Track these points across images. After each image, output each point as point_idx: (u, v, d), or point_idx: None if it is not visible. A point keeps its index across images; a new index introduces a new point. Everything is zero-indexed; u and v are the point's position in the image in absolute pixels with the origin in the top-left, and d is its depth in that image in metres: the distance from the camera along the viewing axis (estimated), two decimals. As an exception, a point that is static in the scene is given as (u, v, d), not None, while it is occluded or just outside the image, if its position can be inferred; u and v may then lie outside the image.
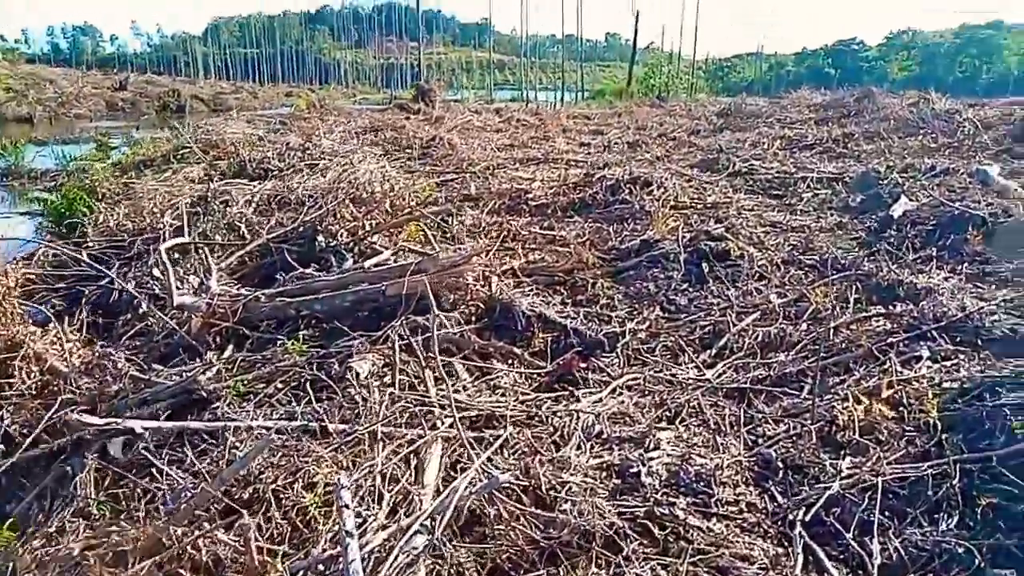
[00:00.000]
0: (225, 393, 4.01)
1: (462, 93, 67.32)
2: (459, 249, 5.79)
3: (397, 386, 4.04)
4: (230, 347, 4.76)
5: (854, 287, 5.27)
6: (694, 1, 58.13)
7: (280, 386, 4.21)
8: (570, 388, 4.33)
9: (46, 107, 32.00)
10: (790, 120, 16.43)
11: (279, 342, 4.62)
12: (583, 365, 4.53)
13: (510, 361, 4.72)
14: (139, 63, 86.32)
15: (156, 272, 6.28)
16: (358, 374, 4.21)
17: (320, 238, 6.63)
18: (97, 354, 4.63)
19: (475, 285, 5.20)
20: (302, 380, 4.19)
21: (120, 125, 30.31)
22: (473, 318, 5.07)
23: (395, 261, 5.69)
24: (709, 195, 8.03)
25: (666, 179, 8.08)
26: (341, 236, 6.69)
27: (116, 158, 14.63)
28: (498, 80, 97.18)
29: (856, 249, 6.33)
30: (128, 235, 7.59)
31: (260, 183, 9.14)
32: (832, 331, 4.56)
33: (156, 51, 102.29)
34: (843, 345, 4.41)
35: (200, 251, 6.63)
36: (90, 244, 7.62)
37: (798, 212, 7.83)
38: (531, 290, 5.71)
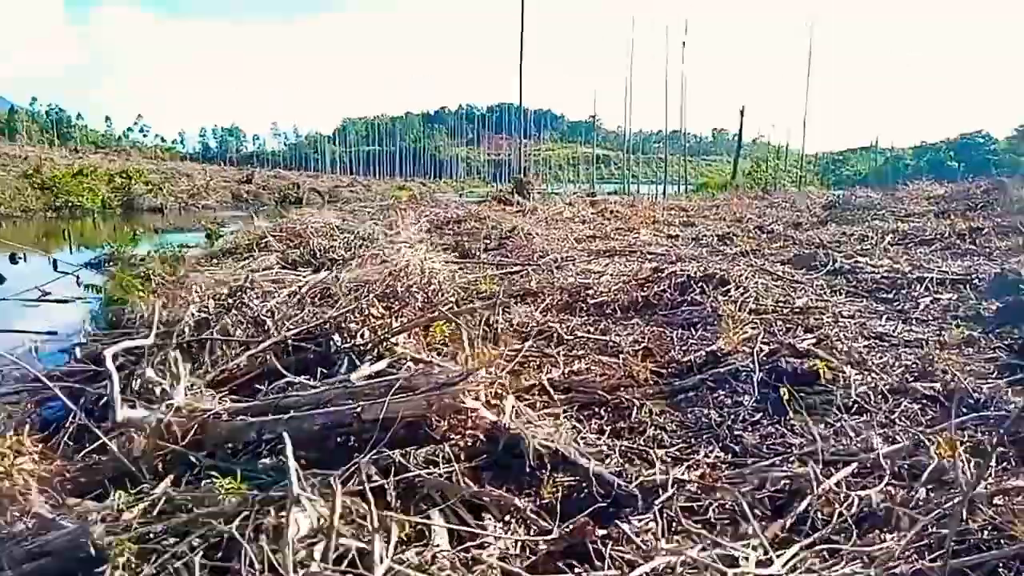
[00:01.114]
0: (114, 554, 3.01)
1: (566, 187, 67.99)
2: (470, 359, 4.69)
3: (331, 558, 2.92)
4: (168, 479, 3.81)
5: (995, 435, 3.74)
6: (803, 94, 56.30)
7: (196, 542, 3.18)
8: (582, 567, 3.07)
9: (178, 199, 34.15)
10: (905, 213, 14.61)
11: (218, 476, 3.62)
12: (601, 533, 3.27)
13: (508, 517, 3.51)
14: (275, 160, 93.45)
15: (150, 372, 5.56)
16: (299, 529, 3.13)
17: (336, 337, 5.74)
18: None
19: (479, 409, 4.06)
20: (223, 537, 3.15)
21: (241, 215, 31.85)
22: (471, 453, 3.91)
23: (394, 371, 4.66)
24: (799, 297, 6.60)
25: (747, 277, 6.77)
26: (361, 335, 5.78)
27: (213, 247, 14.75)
28: (603, 174, 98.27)
29: (994, 375, 4.75)
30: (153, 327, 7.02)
31: (315, 274, 8.52)
32: (967, 504, 3.07)
33: (291, 149, 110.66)
34: (984, 531, 2.94)
35: (200, 350, 5.88)
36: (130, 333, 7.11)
37: (913, 322, 6.23)
38: (563, 412, 4.53)
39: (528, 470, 3.78)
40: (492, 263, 10.25)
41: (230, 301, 7.04)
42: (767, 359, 4.81)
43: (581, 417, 4.54)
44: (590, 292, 7.52)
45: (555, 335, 6.11)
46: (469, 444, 3.93)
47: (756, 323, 5.72)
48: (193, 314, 6.74)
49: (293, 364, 5.73)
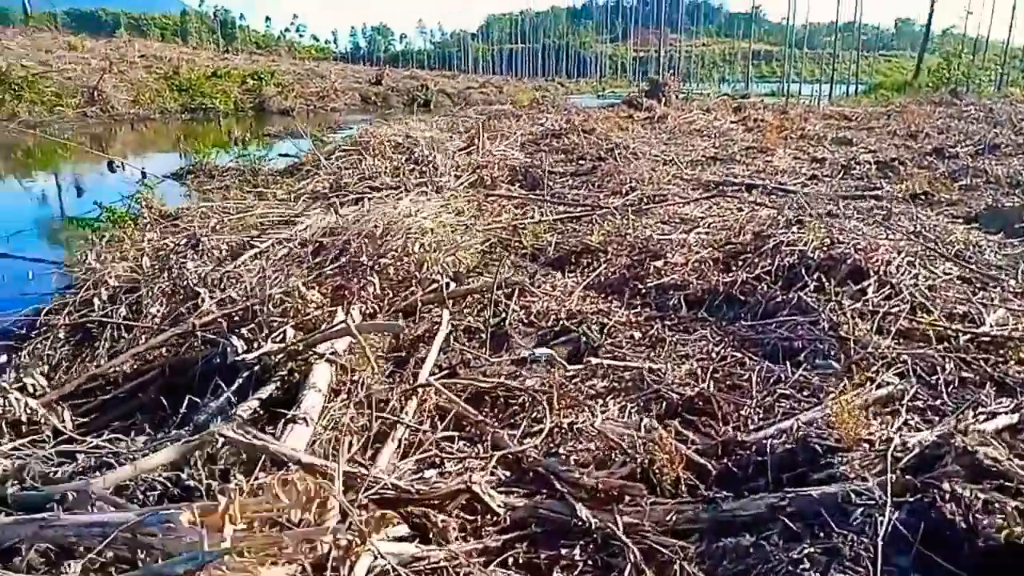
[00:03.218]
0: None
1: (718, 87, 61.62)
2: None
3: None
4: None
5: None
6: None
7: None
8: None
9: (307, 100, 33.60)
10: None
11: None
12: None
13: None
14: (419, 59, 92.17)
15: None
16: None
17: (237, 342, 3.90)
18: None
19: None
20: None
21: (367, 118, 30.81)
22: None
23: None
24: (990, 307, 3.88)
25: (902, 263, 4.10)
26: (276, 338, 3.90)
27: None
28: (764, 72, 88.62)
29: None
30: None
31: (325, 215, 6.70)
32: None
33: (436, 48, 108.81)
34: None
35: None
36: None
37: None
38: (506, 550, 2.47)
39: None
40: (557, 201, 7.92)
41: (170, 260, 5.40)
42: (914, 491, 2.41)
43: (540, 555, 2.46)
44: (659, 263, 5.15)
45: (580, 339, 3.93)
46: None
47: (904, 366, 3.21)
48: (117, 276, 5.18)
49: (198, 370, 4.04)
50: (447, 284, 4.64)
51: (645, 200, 7.66)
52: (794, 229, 4.85)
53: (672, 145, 13.83)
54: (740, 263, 4.75)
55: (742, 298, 4.22)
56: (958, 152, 10.82)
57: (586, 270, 5.76)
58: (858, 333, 3.47)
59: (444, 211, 6.06)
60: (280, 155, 13.61)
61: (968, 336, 3.41)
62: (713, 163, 11.37)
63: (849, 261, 4.04)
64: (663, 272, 4.94)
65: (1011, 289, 4.05)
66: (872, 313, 3.66)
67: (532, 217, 7.56)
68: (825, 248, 4.26)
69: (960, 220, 6.00)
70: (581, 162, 11.41)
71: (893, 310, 3.69)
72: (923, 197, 6.83)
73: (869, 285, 3.86)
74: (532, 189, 8.86)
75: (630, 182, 9.17)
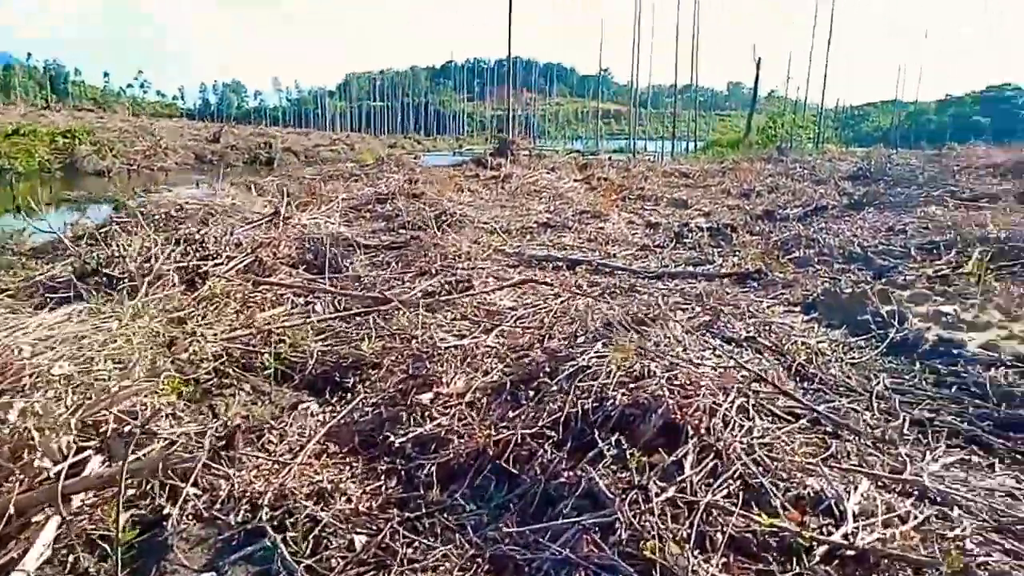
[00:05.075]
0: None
1: (573, 143, 63.12)
2: None
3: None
4: None
5: None
6: (823, 46, 51.00)
7: None
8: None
9: (130, 160, 30.34)
10: (971, 193, 10.49)
11: None
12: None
13: None
14: (274, 116, 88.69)
15: None
16: None
17: None
18: None
19: None
20: None
21: (200, 179, 28.05)
22: None
23: None
24: (854, 482, 2.67)
25: (724, 409, 2.89)
26: None
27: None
28: (614, 130, 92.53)
29: None
30: None
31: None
32: None
33: (293, 105, 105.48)
34: None
35: None
36: None
37: None
38: None
39: None
40: (339, 292, 6.39)
41: None
42: None
43: None
44: (427, 396, 3.72)
45: None
46: None
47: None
48: None
49: None
50: (65, 471, 2.93)
51: (449, 287, 6.28)
52: (599, 347, 3.57)
53: (508, 209, 12.78)
54: (530, 394, 3.41)
55: (515, 472, 2.84)
56: (788, 214, 10.42)
57: (350, 395, 4.29)
58: (668, 552, 2.14)
59: (131, 328, 4.32)
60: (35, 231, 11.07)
61: (825, 548, 2.18)
62: (544, 230, 10.33)
63: (660, 411, 2.78)
64: (427, 414, 3.50)
65: (870, 436, 2.93)
66: (690, 508, 2.37)
67: (316, 312, 6.04)
68: (630, 386, 2.99)
69: (797, 308, 5.05)
70: (401, 231, 10.01)
71: (719, 497, 2.42)
72: (756, 275, 5.91)
73: (686, 453, 2.60)
74: (322, 271, 7.28)
75: (444, 259, 7.85)
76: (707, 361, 3.32)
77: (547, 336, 4.33)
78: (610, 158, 30.97)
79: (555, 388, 3.31)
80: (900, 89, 61.85)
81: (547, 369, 3.56)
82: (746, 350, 3.83)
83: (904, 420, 3.10)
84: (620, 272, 6.81)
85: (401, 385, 4.02)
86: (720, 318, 4.17)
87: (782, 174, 18.63)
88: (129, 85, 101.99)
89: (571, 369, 3.32)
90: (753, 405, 2.91)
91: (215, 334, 5.06)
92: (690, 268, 6.89)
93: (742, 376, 3.12)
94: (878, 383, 3.50)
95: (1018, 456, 2.93)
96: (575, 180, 19.46)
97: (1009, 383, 3.36)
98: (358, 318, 5.72)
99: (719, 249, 7.90)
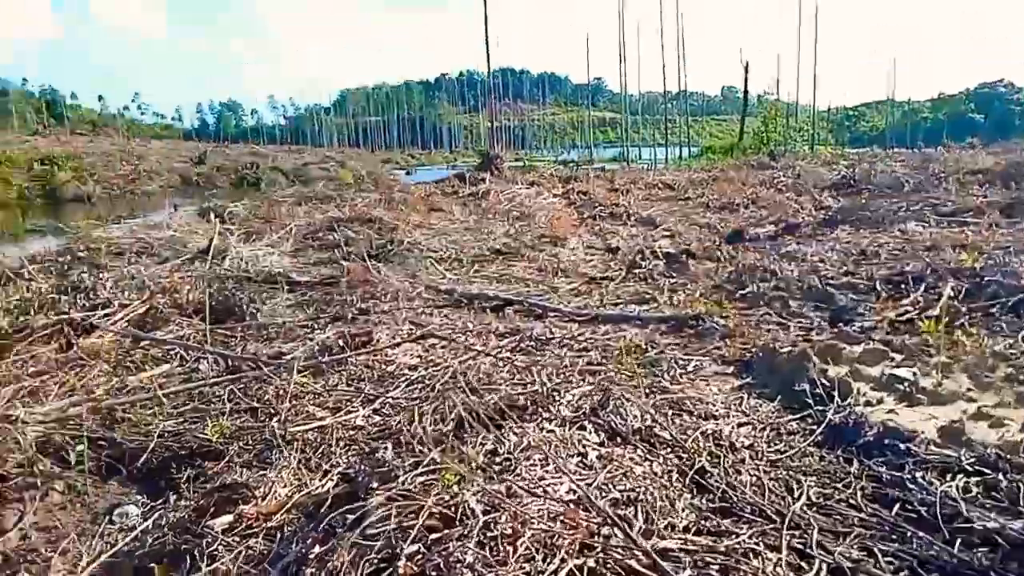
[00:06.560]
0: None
1: (566, 153, 62.40)
2: None
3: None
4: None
5: None
6: (810, 46, 50.13)
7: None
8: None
9: (111, 186, 29.71)
10: (953, 207, 9.60)
11: None
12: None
13: None
14: (271, 134, 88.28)
15: None
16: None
17: None
18: None
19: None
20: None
21: (182, 202, 27.40)
22: None
23: None
24: None
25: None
26: None
27: None
28: (611, 138, 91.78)
29: None
30: None
31: None
32: None
33: (290, 122, 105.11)
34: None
35: None
36: None
37: None
38: None
39: None
40: (216, 352, 5.56)
41: None
42: None
43: None
44: (233, 516, 2.92)
45: None
46: None
47: None
48: None
49: None
50: None
51: (348, 340, 5.45)
52: (437, 454, 2.74)
53: (469, 233, 12.00)
54: (348, 519, 2.58)
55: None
56: (759, 233, 9.58)
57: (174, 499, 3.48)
58: None
59: None
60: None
61: None
62: (497, 258, 9.52)
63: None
64: (211, 550, 2.68)
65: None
66: None
67: (200, 371, 5.26)
68: (430, 539, 2.16)
69: (730, 369, 4.20)
70: (343, 262, 9.20)
71: None
72: (694, 322, 5.07)
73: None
74: (224, 319, 6.47)
75: (368, 298, 7.06)
76: (561, 485, 2.48)
77: (412, 420, 3.50)
78: (603, 168, 30.15)
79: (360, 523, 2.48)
80: (892, 89, 60.94)
81: (373, 485, 2.73)
82: (636, 448, 2.98)
83: (820, 570, 2.25)
84: (551, 314, 5.98)
85: (217, 493, 3.19)
86: (610, 400, 3.32)
87: (767, 183, 17.76)
88: (126, 107, 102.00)
89: (384, 495, 2.49)
90: (592, 569, 2.07)
91: (46, 412, 4.26)
92: (631, 308, 6.06)
93: (592, 519, 2.28)
94: (798, 498, 2.65)
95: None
96: (554, 195, 18.73)
97: (967, 502, 2.50)
98: (240, 383, 4.90)
99: (671, 280, 7.07)
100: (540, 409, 3.31)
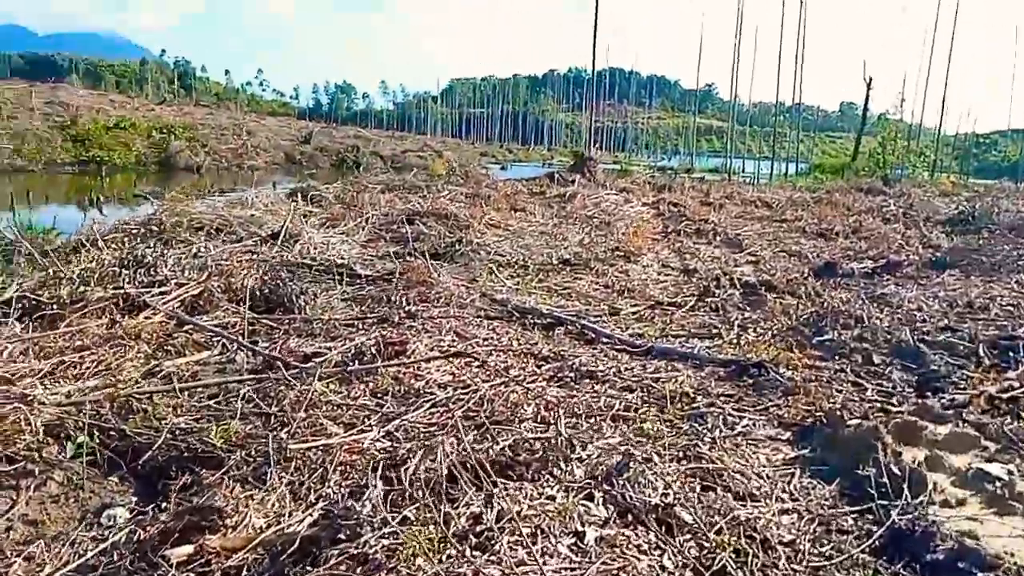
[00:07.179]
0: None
1: (664, 160, 60.88)
2: None
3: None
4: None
5: None
6: (941, 68, 46.40)
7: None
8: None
9: (221, 157, 31.16)
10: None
11: None
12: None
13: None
14: (379, 118, 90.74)
15: None
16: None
17: None
18: None
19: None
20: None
21: (284, 179, 28.36)
22: None
23: None
24: None
25: None
26: None
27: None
28: (716, 147, 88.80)
29: None
30: None
31: None
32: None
33: (398, 108, 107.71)
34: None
35: None
36: None
37: None
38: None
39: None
40: (249, 347, 5.43)
41: None
42: None
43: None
44: (194, 547, 2.70)
45: None
46: None
47: None
48: None
49: None
50: None
51: (383, 348, 5.21)
52: (408, 512, 2.41)
53: (544, 238, 11.62)
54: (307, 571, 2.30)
55: None
56: (853, 268, 8.72)
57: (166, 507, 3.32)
58: None
59: None
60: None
61: None
62: (564, 269, 9.10)
63: None
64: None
65: None
66: None
67: (235, 363, 5.18)
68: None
69: (787, 435, 3.66)
70: (409, 258, 9.05)
71: None
72: (755, 370, 4.51)
73: None
74: (274, 309, 6.40)
75: (420, 301, 6.83)
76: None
77: (407, 460, 3.19)
78: (702, 179, 29.04)
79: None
80: (1035, 118, 55.55)
81: (330, 540, 2.43)
82: (648, 531, 2.54)
83: None
84: (604, 340, 5.54)
85: (191, 515, 2.98)
86: (630, 465, 2.87)
87: (874, 211, 16.44)
88: (248, 83, 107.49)
89: (337, 557, 2.18)
90: None
91: (67, 393, 4.23)
92: (692, 343, 5.53)
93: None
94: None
95: None
96: (644, 204, 18.08)
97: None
98: (266, 382, 4.74)
99: (743, 314, 6.45)
100: (550, 464, 2.92)
